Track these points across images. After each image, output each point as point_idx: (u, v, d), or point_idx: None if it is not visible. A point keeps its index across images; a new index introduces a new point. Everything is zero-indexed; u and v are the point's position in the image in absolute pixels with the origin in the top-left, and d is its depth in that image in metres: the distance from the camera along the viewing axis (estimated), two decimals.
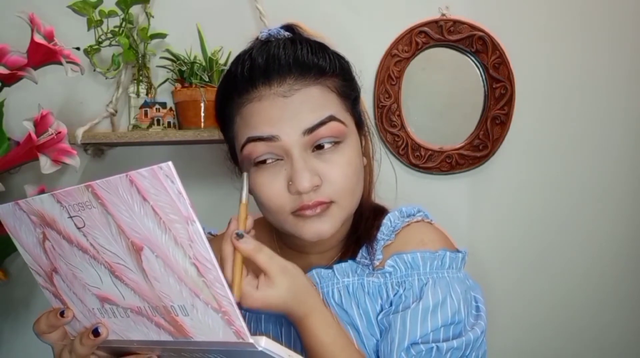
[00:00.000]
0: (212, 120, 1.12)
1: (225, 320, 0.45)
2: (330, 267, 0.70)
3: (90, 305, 0.53)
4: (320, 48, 0.68)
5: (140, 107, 1.16)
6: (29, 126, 0.92)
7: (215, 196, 1.26)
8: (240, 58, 0.68)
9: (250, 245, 0.57)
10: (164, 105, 1.17)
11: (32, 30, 0.94)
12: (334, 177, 0.64)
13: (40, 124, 0.95)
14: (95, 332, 0.54)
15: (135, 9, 1.15)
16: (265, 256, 0.57)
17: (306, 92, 0.64)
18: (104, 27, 1.10)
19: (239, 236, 0.57)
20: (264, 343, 0.45)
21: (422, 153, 1.28)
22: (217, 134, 1.10)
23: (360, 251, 0.71)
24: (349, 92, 0.69)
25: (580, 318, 1.36)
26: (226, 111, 0.69)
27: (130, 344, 0.54)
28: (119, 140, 1.13)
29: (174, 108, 1.16)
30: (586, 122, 1.33)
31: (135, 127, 1.17)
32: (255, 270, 0.59)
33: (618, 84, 1.32)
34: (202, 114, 1.11)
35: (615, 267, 1.36)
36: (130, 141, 1.12)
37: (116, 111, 1.21)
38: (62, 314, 0.55)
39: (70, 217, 0.48)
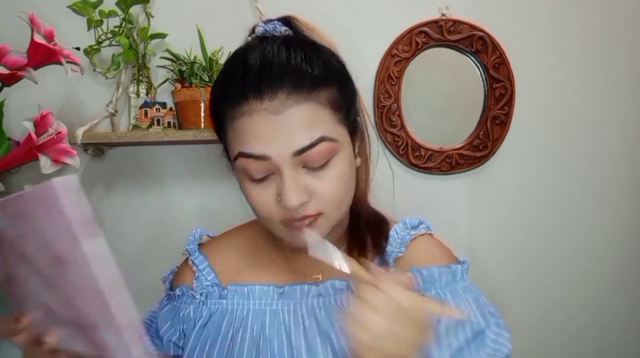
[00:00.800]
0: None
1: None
2: (345, 279, 0.70)
3: (42, 311, 0.54)
4: (315, 53, 0.67)
5: (140, 107, 1.16)
6: (29, 126, 0.92)
7: (215, 196, 1.26)
8: (234, 61, 0.68)
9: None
10: (164, 105, 1.17)
11: (32, 30, 0.94)
12: (324, 192, 0.64)
13: (40, 124, 0.94)
14: (43, 340, 0.54)
15: (135, 9, 1.15)
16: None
17: (297, 110, 0.62)
18: (104, 27, 1.10)
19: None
20: None
21: (422, 153, 1.28)
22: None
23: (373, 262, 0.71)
24: (342, 102, 0.67)
25: (580, 318, 1.36)
26: (219, 116, 0.68)
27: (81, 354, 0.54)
28: (119, 140, 1.13)
29: (174, 108, 1.16)
30: (586, 122, 1.33)
31: (135, 127, 1.17)
32: None
33: (618, 84, 1.32)
34: (202, 114, 1.12)
35: (615, 267, 1.36)
36: (130, 141, 1.12)
37: (116, 111, 1.21)
38: (17, 320, 0.56)
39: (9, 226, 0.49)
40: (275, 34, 0.70)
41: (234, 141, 0.65)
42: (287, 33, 0.70)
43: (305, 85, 0.63)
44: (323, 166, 0.64)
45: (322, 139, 0.63)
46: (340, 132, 0.66)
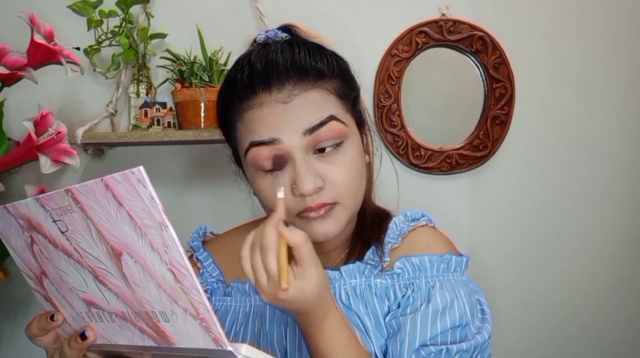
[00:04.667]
0: (212, 120, 1.12)
1: (203, 327, 0.44)
2: (337, 268, 0.70)
3: (78, 308, 0.53)
4: (317, 50, 0.68)
5: (140, 107, 1.16)
6: (29, 126, 0.92)
7: (215, 196, 1.26)
8: (239, 64, 0.69)
9: (299, 236, 0.55)
10: (164, 105, 1.17)
11: (32, 30, 0.94)
12: (337, 178, 0.64)
13: (40, 124, 0.95)
14: (83, 336, 0.54)
15: (135, 9, 1.15)
16: (308, 249, 0.56)
17: (305, 96, 0.64)
18: (104, 27, 1.10)
19: (286, 224, 0.55)
20: (244, 350, 0.44)
21: (422, 153, 1.28)
22: (217, 134, 1.10)
23: (367, 253, 0.71)
24: (348, 92, 0.69)
25: (580, 318, 1.36)
26: (227, 117, 0.69)
27: (118, 348, 0.54)
28: (119, 140, 1.13)
29: (174, 108, 1.16)
30: (586, 122, 1.33)
31: (135, 127, 1.17)
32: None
33: (618, 83, 1.32)
34: (202, 114, 1.11)
35: (615, 267, 1.36)
36: (130, 141, 1.12)
37: (116, 111, 1.21)
38: (52, 318, 0.55)
39: (54, 221, 0.48)
40: (276, 39, 0.71)
41: (244, 133, 0.66)
42: (287, 39, 0.71)
43: (311, 76, 0.65)
44: (334, 152, 0.64)
45: (331, 118, 0.64)
46: (348, 119, 0.67)
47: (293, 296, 0.54)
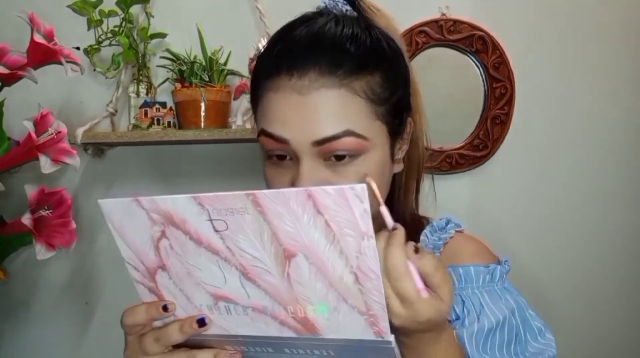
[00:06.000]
0: (212, 120, 1.12)
1: (369, 322, 0.49)
2: None
3: (198, 301, 0.55)
4: (365, 33, 0.61)
5: (140, 107, 1.16)
6: (29, 126, 0.92)
7: None
8: (283, 29, 0.64)
9: (429, 263, 0.50)
10: (164, 105, 1.17)
11: (32, 30, 0.94)
12: None
13: (40, 124, 0.95)
14: (202, 321, 0.54)
15: (135, 9, 1.15)
16: (441, 274, 0.52)
17: (325, 94, 0.57)
18: (104, 27, 1.10)
19: (417, 250, 0.50)
20: (393, 340, 0.49)
21: (433, 155, 1.28)
22: (217, 134, 1.11)
23: None
24: (385, 93, 0.61)
25: (581, 318, 1.36)
26: (254, 89, 0.65)
27: (229, 338, 0.56)
28: (119, 140, 1.13)
29: (174, 108, 1.16)
30: (586, 122, 1.33)
31: (135, 127, 1.17)
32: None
33: (618, 83, 1.32)
34: (202, 114, 1.11)
35: (616, 267, 1.36)
36: (130, 140, 1.13)
37: (116, 111, 1.21)
38: (165, 308, 0.55)
39: (210, 220, 0.50)
40: (334, 11, 0.65)
41: (260, 116, 0.62)
42: (347, 12, 0.65)
43: (343, 67, 0.57)
44: (346, 164, 0.59)
45: (348, 133, 0.57)
46: (374, 129, 0.59)
47: (434, 318, 0.51)
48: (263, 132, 0.61)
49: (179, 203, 0.52)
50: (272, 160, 0.62)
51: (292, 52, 0.59)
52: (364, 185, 0.43)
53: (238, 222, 0.49)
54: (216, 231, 0.50)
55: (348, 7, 0.65)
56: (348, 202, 0.44)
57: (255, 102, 0.65)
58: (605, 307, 1.37)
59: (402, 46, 0.67)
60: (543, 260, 1.35)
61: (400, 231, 0.51)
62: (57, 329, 1.29)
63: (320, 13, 0.64)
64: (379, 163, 0.61)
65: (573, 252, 1.35)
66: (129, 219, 0.54)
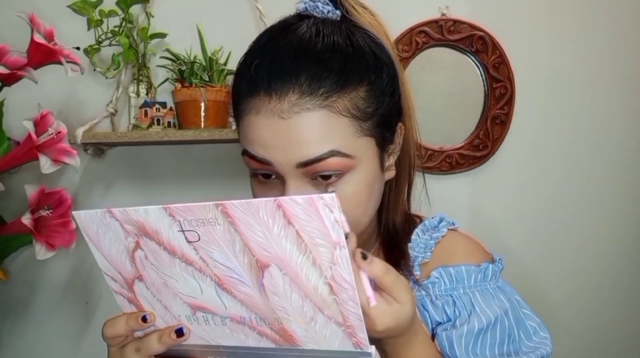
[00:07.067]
0: (212, 120, 1.12)
1: (347, 332, 0.48)
2: None
3: (176, 311, 0.55)
4: (348, 42, 0.57)
5: (140, 107, 1.16)
6: (29, 126, 0.92)
7: (215, 197, 1.26)
8: (259, 44, 0.61)
9: (378, 267, 0.50)
10: (164, 105, 1.17)
11: (32, 30, 0.94)
12: None
13: (40, 124, 0.95)
14: (180, 332, 0.54)
15: (135, 9, 1.15)
16: (393, 277, 0.51)
17: (307, 117, 0.54)
18: (104, 27, 1.10)
19: (365, 257, 0.50)
20: (373, 352, 0.48)
21: (422, 153, 1.28)
22: (217, 134, 1.11)
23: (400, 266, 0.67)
24: (372, 107, 0.58)
25: (581, 319, 1.36)
26: (235, 105, 0.63)
27: (211, 348, 0.56)
28: (119, 140, 1.13)
29: (174, 108, 1.16)
30: (586, 122, 1.33)
31: (135, 127, 1.17)
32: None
33: (618, 83, 1.32)
34: (202, 114, 1.11)
35: (616, 266, 1.36)
36: (130, 140, 1.13)
37: (116, 111, 1.21)
38: (144, 319, 0.54)
39: (182, 231, 0.49)
40: (315, 13, 0.61)
41: (242, 135, 0.61)
42: (328, 13, 0.62)
43: (325, 86, 0.55)
44: (333, 180, 0.57)
45: (332, 154, 0.55)
46: (360, 146, 0.57)
47: (393, 324, 0.51)
48: (246, 153, 0.60)
49: (151, 214, 0.50)
50: (258, 178, 0.61)
51: (270, 69, 0.56)
52: (333, 194, 0.42)
53: (209, 233, 0.48)
54: (189, 242, 0.50)
55: (330, 7, 0.62)
56: (318, 212, 0.44)
57: (236, 119, 0.63)
58: (604, 306, 1.37)
59: (388, 45, 0.63)
60: (543, 260, 1.35)
61: (351, 239, 0.49)
62: (57, 329, 1.29)
63: (301, 16, 0.61)
64: (367, 177, 0.59)
65: (572, 252, 1.35)
66: (103, 230, 0.53)
